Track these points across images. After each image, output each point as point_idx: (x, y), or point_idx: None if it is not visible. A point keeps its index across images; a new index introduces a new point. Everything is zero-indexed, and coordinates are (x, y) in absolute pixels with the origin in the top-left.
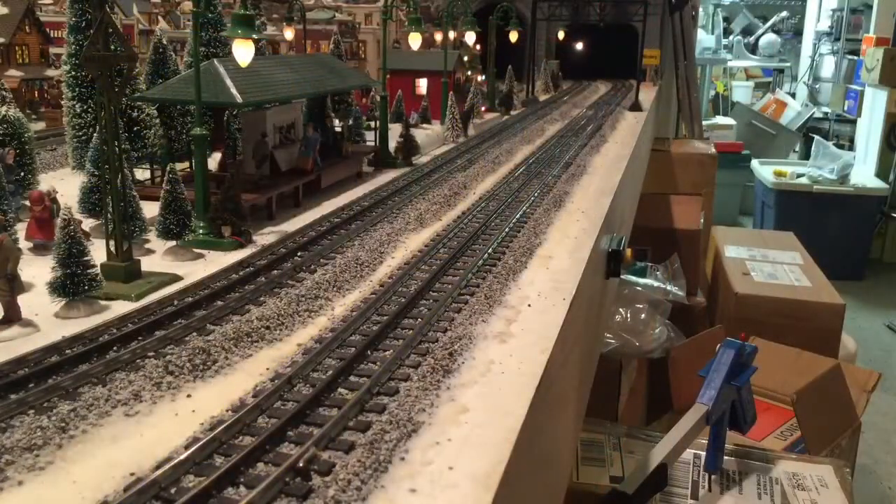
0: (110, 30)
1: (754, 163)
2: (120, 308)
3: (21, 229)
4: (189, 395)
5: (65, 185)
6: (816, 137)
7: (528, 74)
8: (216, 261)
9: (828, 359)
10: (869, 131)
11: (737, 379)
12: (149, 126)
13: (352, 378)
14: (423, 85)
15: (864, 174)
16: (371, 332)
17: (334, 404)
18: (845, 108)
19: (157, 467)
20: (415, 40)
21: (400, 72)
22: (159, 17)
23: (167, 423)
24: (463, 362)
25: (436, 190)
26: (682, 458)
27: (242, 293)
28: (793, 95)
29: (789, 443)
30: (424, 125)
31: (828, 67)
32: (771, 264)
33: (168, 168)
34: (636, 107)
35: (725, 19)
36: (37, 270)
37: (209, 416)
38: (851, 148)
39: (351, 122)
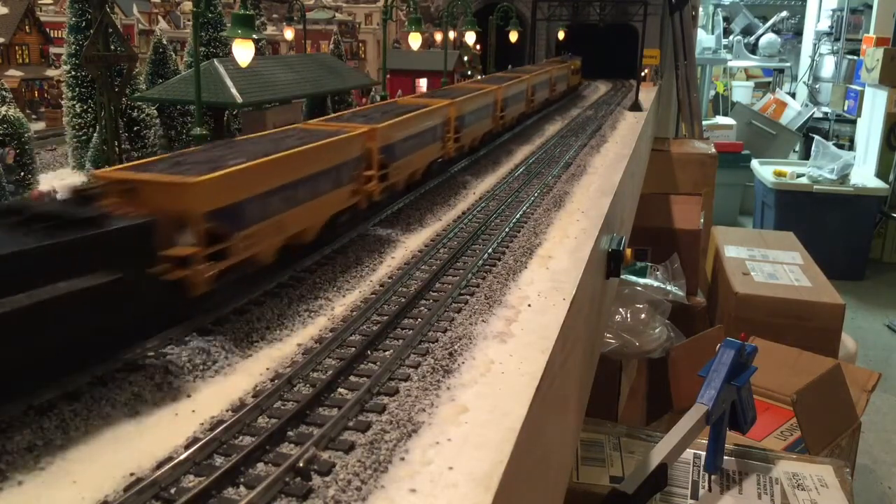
0: (110, 30)
1: (754, 163)
2: None
3: None
4: (189, 395)
5: (65, 185)
6: (816, 137)
7: None
8: None
9: (828, 359)
10: (869, 131)
11: (737, 379)
12: (149, 126)
13: (352, 378)
14: (423, 85)
15: (864, 174)
16: (371, 332)
17: (334, 404)
18: (845, 108)
19: (158, 467)
20: (415, 40)
21: (400, 72)
22: (159, 17)
23: (167, 423)
24: (463, 362)
25: (436, 189)
26: (682, 458)
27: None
28: (793, 95)
29: (789, 443)
30: None
31: (828, 67)
32: (771, 264)
33: None
34: (636, 107)
35: (725, 19)
36: None
37: (209, 416)
38: (851, 148)
39: None
